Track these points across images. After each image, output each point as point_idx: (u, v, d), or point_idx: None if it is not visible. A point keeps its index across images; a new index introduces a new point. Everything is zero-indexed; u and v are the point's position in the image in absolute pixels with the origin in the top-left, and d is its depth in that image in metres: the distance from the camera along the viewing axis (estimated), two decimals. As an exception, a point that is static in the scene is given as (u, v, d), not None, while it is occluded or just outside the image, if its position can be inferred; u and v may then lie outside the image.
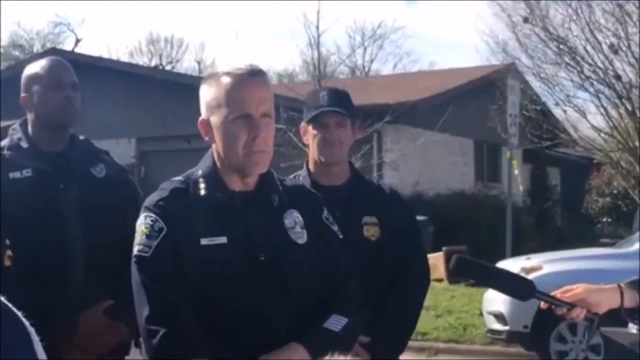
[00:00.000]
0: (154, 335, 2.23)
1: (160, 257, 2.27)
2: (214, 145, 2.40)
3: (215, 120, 2.34)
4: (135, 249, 2.32)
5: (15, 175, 3.14)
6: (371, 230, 3.15)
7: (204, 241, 2.29)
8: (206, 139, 2.40)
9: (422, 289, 3.31)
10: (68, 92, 3.22)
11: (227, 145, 2.33)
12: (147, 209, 2.35)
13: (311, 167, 3.28)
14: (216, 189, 2.36)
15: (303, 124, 3.28)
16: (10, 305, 0.84)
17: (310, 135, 3.23)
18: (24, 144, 3.22)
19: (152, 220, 2.31)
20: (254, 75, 2.32)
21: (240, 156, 2.31)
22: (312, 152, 3.26)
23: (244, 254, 2.31)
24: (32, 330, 0.86)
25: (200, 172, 2.40)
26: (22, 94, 3.26)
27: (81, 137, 3.37)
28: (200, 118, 2.38)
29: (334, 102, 3.21)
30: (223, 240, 2.30)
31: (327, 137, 3.18)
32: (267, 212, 2.39)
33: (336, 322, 2.37)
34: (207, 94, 2.36)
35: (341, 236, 2.55)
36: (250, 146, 2.30)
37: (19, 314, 0.85)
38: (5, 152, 3.20)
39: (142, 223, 2.33)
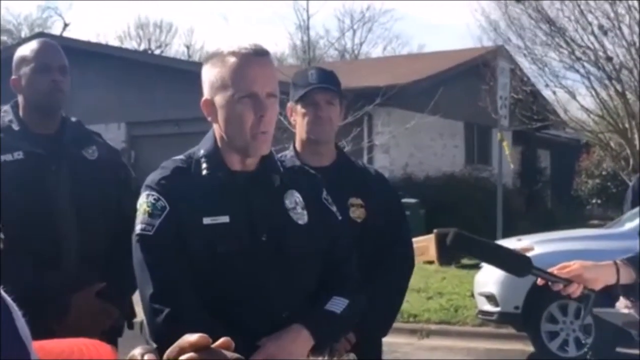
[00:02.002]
0: (158, 314, 2.23)
1: (163, 235, 2.27)
2: (215, 126, 2.38)
3: (219, 100, 2.31)
4: (138, 228, 2.31)
5: (7, 157, 3.12)
6: (357, 212, 3.13)
7: (206, 220, 2.28)
8: (209, 119, 2.38)
9: (407, 270, 3.29)
10: (55, 76, 3.20)
11: (232, 126, 2.31)
12: (149, 188, 2.33)
13: (298, 147, 3.23)
14: (218, 169, 2.35)
15: (290, 103, 3.22)
16: None
17: (298, 114, 3.19)
18: (15, 126, 3.20)
19: (154, 199, 2.30)
20: (260, 54, 2.31)
21: (247, 137, 2.29)
22: (300, 132, 3.21)
23: (246, 234, 2.31)
24: (13, 304, 0.85)
25: (202, 151, 2.39)
26: (13, 76, 3.24)
27: (73, 119, 3.35)
28: (204, 98, 2.35)
29: (323, 80, 3.18)
30: (225, 219, 2.29)
31: (318, 114, 3.14)
32: (268, 192, 2.38)
33: (337, 304, 2.38)
34: (210, 73, 2.33)
35: (340, 217, 2.54)
36: (256, 127, 2.28)
37: None
38: (-4, 134, 3.19)
39: (145, 202, 2.31)
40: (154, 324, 2.25)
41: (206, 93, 2.35)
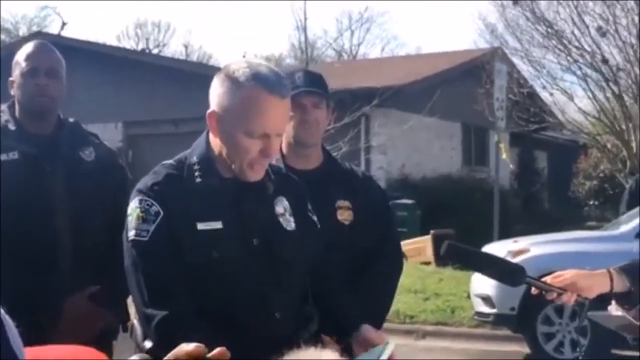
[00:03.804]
0: (151, 319, 2.21)
1: (158, 241, 2.25)
2: (214, 137, 2.35)
3: (228, 124, 2.28)
4: (132, 234, 2.28)
5: (3, 157, 3.12)
6: (345, 214, 3.11)
7: (200, 225, 2.27)
8: (210, 130, 2.35)
9: (396, 271, 3.27)
10: (39, 80, 3.19)
11: (234, 154, 2.30)
12: (142, 193, 2.31)
13: (284, 150, 3.18)
14: (210, 176, 2.34)
15: None
16: None
17: None
18: (12, 127, 3.21)
19: (148, 204, 2.28)
20: (284, 97, 2.28)
21: (244, 166, 2.30)
22: (287, 135, 3.14)
23: (238, 239, 2.31)
24: (4, 315, 0.85)
25: (194, 158, 2.38)
26: (10, 78, 3.27)
27: (71, 120, 3.35)
28: (212, 111, 2.31)
29: (310, 83, 3.15)
30: (219, 225, 2.29)
31: (305, 118, 3.11)
32: (260, 199, 2.39)
33: None
34: (228, 97, 2.28)
35: (319, 226, 2.56)
36: (257, 160, 2.30)
37: None
38: (-8, 134, 3.19)
39: (137, 207, 2.29)
40: (149, 329, 2.24)
41: (216, 107, 2.31)
